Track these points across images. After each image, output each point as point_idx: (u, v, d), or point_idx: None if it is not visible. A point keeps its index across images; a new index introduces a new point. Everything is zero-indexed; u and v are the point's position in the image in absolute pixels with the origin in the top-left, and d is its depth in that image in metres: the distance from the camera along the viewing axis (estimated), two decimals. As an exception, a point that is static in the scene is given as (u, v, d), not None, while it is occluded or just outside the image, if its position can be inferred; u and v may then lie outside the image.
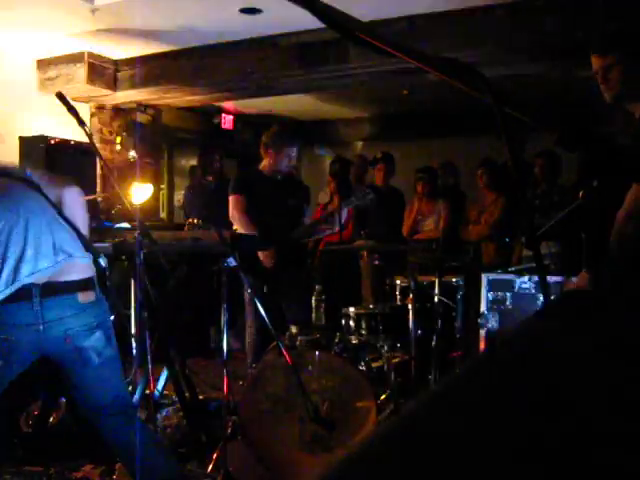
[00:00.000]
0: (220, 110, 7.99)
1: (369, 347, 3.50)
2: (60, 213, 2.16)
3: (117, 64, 5.83)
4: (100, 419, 2.23)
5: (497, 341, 2.92)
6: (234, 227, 4.03)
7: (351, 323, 3.64)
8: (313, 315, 3.55)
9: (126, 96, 5.97)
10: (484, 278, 3.91)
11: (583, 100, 6.38)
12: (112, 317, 2.46)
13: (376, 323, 3.63)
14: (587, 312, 0.90)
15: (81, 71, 5.59)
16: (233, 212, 4.09)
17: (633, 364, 0.62)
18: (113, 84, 5.82)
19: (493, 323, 3.74)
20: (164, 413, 3.60)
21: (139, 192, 5.87)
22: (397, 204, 5.95)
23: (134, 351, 3.31)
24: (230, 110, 8.09)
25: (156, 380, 3.16)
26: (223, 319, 2.97)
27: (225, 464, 2.85)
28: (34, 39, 5.28)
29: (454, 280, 4.21)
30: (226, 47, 5.39)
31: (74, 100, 5.01)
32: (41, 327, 2.05)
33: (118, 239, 3.01)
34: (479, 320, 3.82)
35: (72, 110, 2.42)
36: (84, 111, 5.85)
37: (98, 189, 5.43)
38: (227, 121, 8.15)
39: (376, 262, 5.44)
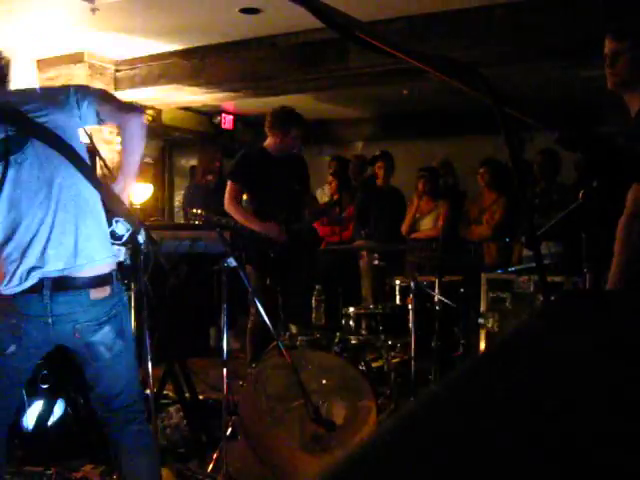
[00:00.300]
0: (220, 110, 7.99)
1: (369, 347, 3.50)
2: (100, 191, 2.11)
3: (117, 64, 5.83)
4: (110, 414, 2.22)
5: (497, 341, 2.92)
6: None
7: (351, 323, 3.64)
8: (313, 315, 3.55)
9: (126, 96, 5.97)
10: (484, 278, 3.91)
11: (583, 100, 6.40)
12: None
13: (376, 323, 3.63)
14: (587, 312, 0.90)
15: (81, 71, 5.60)
16: (225, 201, 4.09)
17: (633, 364, 0.62)
18: (113, 84, 5.82)
19: (493, 323, 3.74)
20: (164, 413, 3.60)
21: (139, 192, 5.88)
22: (397, 204, 5.94)
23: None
24: (230, 110, 8.10)
25: (156, 380, 3.16)
26: (223, 319, 2.96)
27: (225, 464, 2.85)
28: (34, 39, 5.28)
29: (454, 280, 4.21)
30: (226, 47, 5.39)
31: (74, 100, 4.99)
32: (50, 320, 2.03)
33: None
34: (479, 320, 3.83)
35: None
36: (84, 111, 5.83)
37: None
38: (227, 121, 8.16)
39: (376, 262, 5.44)
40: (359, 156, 6.91)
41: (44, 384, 3.22)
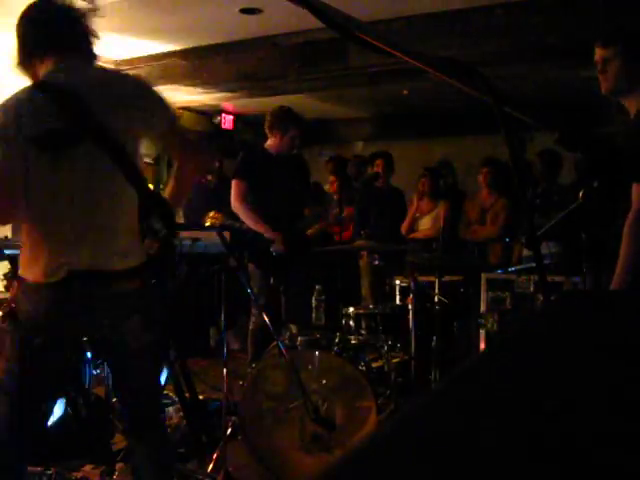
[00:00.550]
0: (220, 110, 7.99)
1: (369, 347, 3.49)
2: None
3: (117, 64, 5.83)
4: (131, 408, 2.24)
5: (497, 341, 2.92)
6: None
7: (351, 323, 3.64)
8: (313, 315, 3.55)
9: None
10: (484, 278, 3.91)
11: (583, 100, 6.39)
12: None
13: (376, 323, 3.63)
14: (587, 312, 0.90)
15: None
16: (233, 200, 4.11)
17: (633, 364, 0.62)
18: (113, 84, 5.81)
19: (493, 323, 3.74)
20: (164, 413, 3.60)
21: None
22: (397, 204, 5.94)
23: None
24: (230, 110, 8.09)
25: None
26: (223, 319, 2.97)
27: (225, 464, 2.85)
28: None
29: (454, 280, 4.21)
30: (226, 47, 5.39)
31: (74, 100, 4.99)
32: (79, 310, 2.04)
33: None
34: (479, 320, 3.82)
35: None
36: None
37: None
38: (227, 121, 8.16)
39: (376, 262, 5.44)
40: (359, 156, 6.91)
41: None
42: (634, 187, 2.30)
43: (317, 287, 3.58)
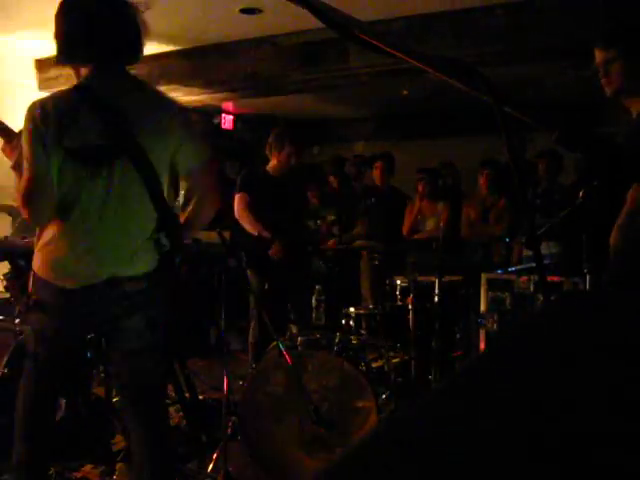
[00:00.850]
0: (220, 110, 7.99)
1: (369, 347, 3.50)
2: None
3: (117, 64, 5.82)
4: (132, 408, 2.25)
5: (497, 341, 2.92)
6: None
7: (351, 323, 3.64)
8: (313, 315, 3.55)
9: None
10: (484, 278, 3.91)
11: (583, 100, 6.39)
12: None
13: (376, 323, 3.64)
14: (587, 312, 0.90)
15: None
16: (237, 209, 4.22)
17: (633, 364, 0.62)
18: (113, 84, 5.81)
19: (493, 323, 3.74)
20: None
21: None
22: (397, 204, 5.94)
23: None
24: (230, 110, 8.09)
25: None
26: (223, 319, 2.97)
27: (225, 464, 2.86)
28: (34, 39, 5.28)
29: (454, 280, 4.21)
30: (226, 47, 5.39)
31: (74, 100, 4.99)
32: (85, 310, 2.07)
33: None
34: (479, 320, 3.83)
35: None
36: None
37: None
38: (227, 121, 8.16)
39: (376, 262, 5.44)
40: (359, 156, 6.90)
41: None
42: (633, 188, 2.30)
43: (317, 287, 3.58)
